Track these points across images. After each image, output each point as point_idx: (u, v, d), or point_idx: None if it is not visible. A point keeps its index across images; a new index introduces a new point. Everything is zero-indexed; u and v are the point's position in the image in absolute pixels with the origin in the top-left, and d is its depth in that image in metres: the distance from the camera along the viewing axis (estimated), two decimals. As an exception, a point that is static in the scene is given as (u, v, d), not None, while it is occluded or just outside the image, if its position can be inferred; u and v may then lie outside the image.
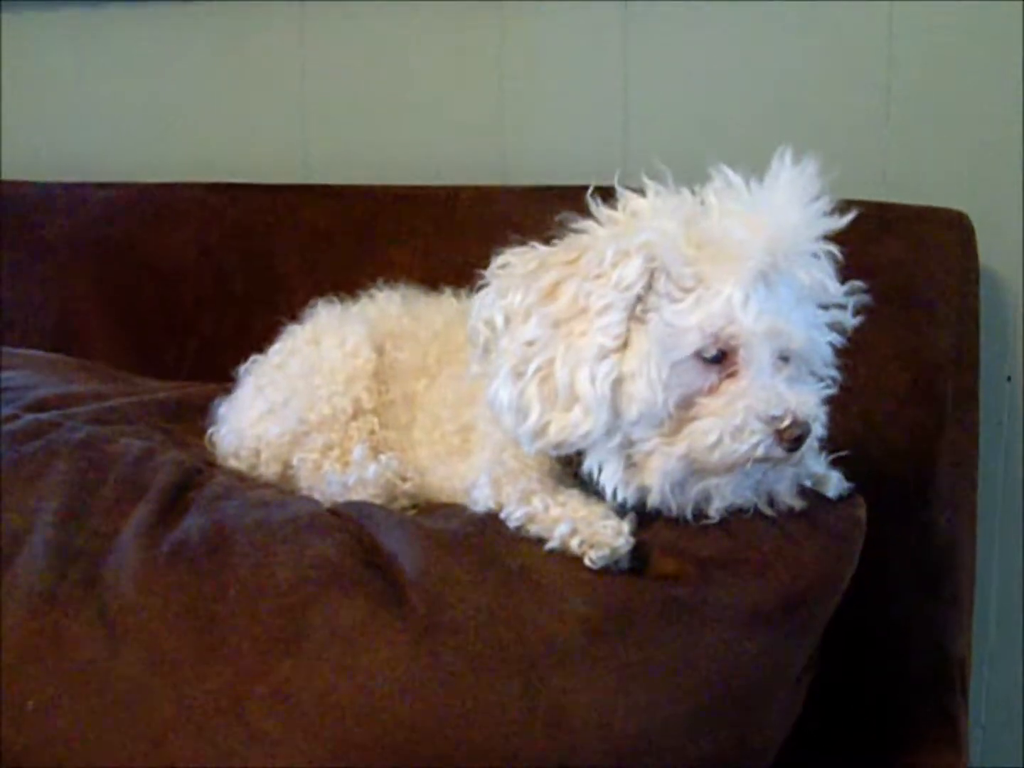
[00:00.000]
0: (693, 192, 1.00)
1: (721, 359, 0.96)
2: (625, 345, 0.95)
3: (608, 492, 0.99)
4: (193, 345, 1.65)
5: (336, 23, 1.73)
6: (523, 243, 1.02)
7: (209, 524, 1.04)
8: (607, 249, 0.95)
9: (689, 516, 0.98)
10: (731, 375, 0.96)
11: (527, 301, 0.97)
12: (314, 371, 1.22)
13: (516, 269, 1.00)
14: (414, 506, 1.15)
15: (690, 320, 0.94)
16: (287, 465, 1.21)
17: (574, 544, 0.96)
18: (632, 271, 0.94)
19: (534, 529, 0.99)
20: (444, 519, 1.05)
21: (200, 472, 1.15)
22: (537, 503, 1.00)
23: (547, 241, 1.01)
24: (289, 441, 1.21)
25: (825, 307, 1.01)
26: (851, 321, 1.01)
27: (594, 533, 0.96)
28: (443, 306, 1.27)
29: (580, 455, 1.01)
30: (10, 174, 1.87)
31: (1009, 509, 1.52)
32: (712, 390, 0.96)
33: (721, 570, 0.97)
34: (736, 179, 0.98)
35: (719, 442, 0.93)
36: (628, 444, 0.97)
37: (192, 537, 1.03)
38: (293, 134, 1.79)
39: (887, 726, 1.23)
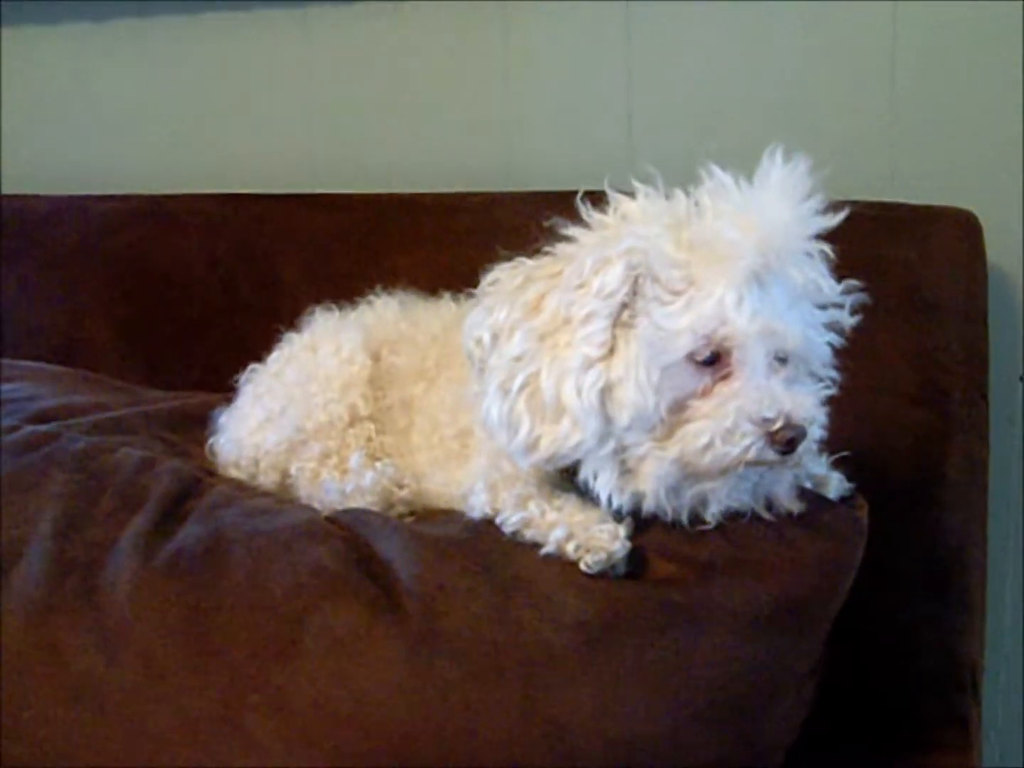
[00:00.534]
0: (687, 194, 0.99)
1: (714, 361, 0.94)
2: (612, 352, 0.94)
3: (603, 499, 0.98)
4: (201, 355, 1.65)
5: (340, 33, 1.74)
6: (511, 258, 1.01)
7: (205, 534, 1.04)
8: (587, 258, 0.95)
9: (685, 521, 0.97)
10: (725, 377, 0.94)
11: (512, 317, 0.97)
12: (310, 379, 1.22)
13: (504, 285, 1.00)
14: (411, 513, 1.14)
15: (681, 323, 0.93)
16: (285, 474, 1.21)
17: (570, 549, 0.95)
18: (614, 278, 0.94)
19: (530, 534, 0.99)
20: (440, 526, 1.05)
21: (200, 482, 1.15)
22: (533, 508, 0.99)
23: (537, 249, 1.01)
24: (287, 450, 1.21)
25: (822, 307, 0.99)
26: (849, 320, 1.00)
27: (590, 538, 0.95)
28: (442, 310, 1.27)
29: (576, 463, 1.00)
30: (15, 188, 1.88)
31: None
32: (705, 393, 0.95)
33: (718, 574, 0.96)
34: (727, 179, 0.97)
35: (710, 445, 0.92)
36: (622, 450, 0.96)
37: (188, 547, 1.03)
38: (299, 142, 1.79)
39: (897, 728, 1.21)
